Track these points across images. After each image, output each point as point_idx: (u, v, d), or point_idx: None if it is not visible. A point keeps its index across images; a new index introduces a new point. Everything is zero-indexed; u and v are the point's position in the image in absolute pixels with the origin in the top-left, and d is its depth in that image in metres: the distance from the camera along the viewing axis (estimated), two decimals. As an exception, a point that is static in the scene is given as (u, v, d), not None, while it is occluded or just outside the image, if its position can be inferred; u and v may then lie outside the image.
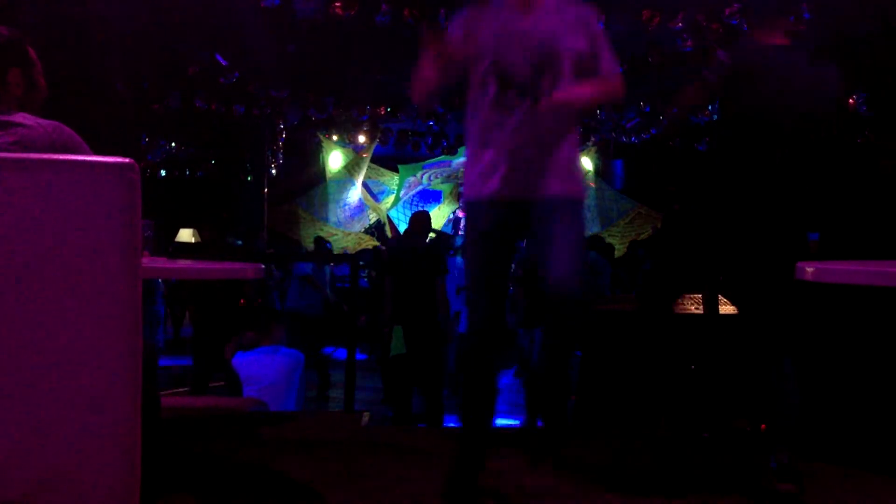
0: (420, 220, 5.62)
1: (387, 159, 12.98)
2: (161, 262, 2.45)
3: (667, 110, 11.00)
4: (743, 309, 2.53)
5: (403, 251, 5.55)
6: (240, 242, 9.02)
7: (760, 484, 2.30)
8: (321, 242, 9.57)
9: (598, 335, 4.62)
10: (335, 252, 10.68)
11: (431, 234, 7.55)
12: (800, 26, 7.06)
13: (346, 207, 12.90)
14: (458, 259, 7.85)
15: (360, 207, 13.04)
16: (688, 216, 2.75)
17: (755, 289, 2.41)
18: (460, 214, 14.09)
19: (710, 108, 8.75)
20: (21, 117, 1.83)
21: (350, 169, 12.56)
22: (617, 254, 9.53)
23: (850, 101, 8.04)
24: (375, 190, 13.34)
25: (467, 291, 2.38)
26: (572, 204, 2.24)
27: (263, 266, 2.46)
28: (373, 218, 13.16)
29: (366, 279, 9.49)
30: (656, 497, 2.31)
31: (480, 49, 2.20)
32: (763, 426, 2.45)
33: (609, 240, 10.06)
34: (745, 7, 6.81)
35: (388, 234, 12.90)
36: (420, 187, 13.84)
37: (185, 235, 9.88)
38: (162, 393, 4.36)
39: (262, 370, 4.58)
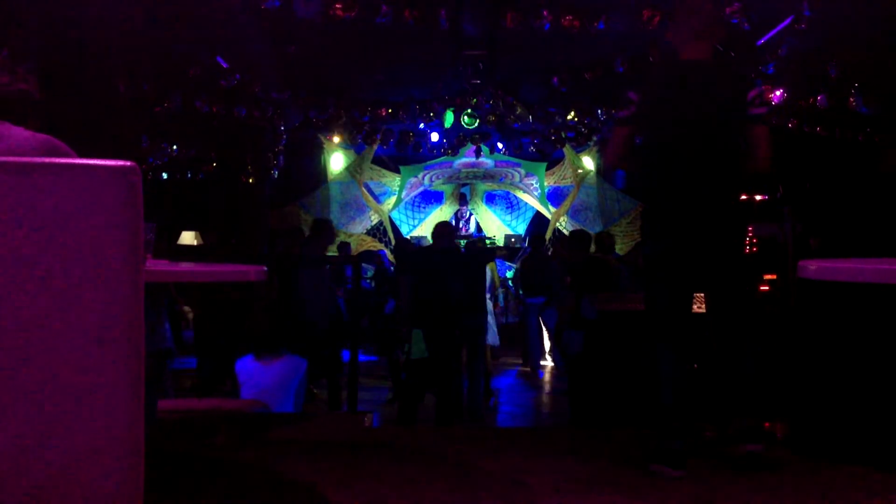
0: (443, 229, 5.80)
1: (388, 160, 12.97)
2: (163, 265, 2.45)
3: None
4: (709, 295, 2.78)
5: (423, 255, 5.63)
6: None
7: (726, 450, 2.57)
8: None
9: (601, 334, 4.62)
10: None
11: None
12: (799, 25, 7.02)
13: (348, 209, 12.89)
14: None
15: (362, 209, 13.03)
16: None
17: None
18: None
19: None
20: (5, 128, 1.73)
21: (351, 170, 12.55)
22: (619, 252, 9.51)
23: (850, 100, 8.03)
24: (377, 191, 13.32)
25: None
26: None
27: (266, 268, 2.45)
28: (374, 219, 13.15)
29: (368, 281, 9.50)
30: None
31: None
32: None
33: (610, 240, 10.04)
34: (745, 6, 6.80)
35: (390, 235, 12.90)
36: (422, 188, 13.83)
37: (188, 238, 9.89)
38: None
39: (262, 374, 4.57)
